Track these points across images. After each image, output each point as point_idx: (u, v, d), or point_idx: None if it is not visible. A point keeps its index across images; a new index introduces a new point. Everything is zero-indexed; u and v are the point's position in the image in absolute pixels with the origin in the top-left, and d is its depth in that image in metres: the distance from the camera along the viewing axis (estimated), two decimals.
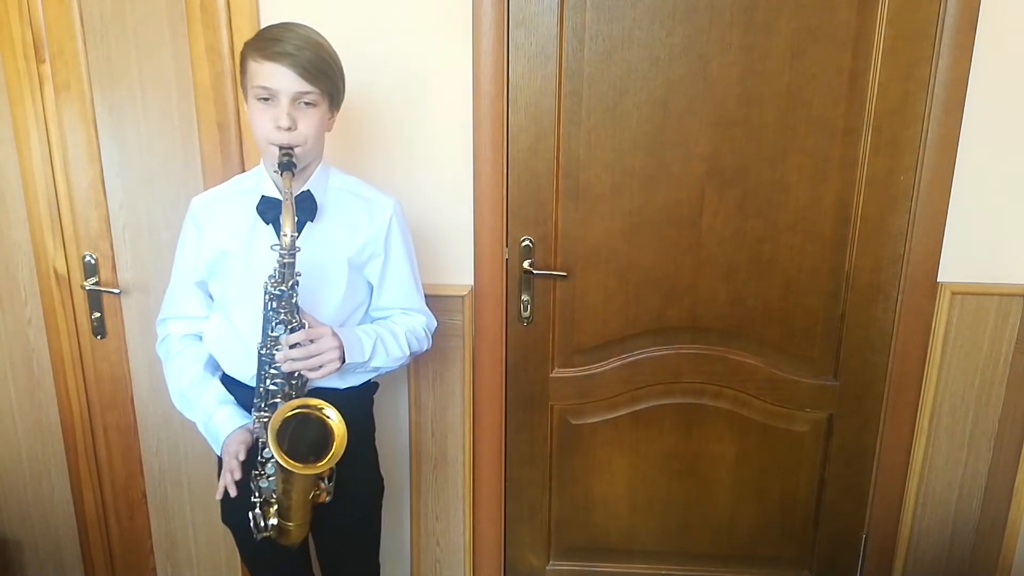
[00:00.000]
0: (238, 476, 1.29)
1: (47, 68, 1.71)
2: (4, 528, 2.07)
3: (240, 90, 1.67)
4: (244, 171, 1.72)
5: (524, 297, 1.86)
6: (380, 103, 1.71)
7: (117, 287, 1.85)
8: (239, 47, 1.65)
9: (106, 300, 1.86)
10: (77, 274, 1.85)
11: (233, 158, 1.73)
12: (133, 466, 1.99)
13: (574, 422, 1.97)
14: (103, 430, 1.96)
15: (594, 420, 1.96)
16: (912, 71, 1.67)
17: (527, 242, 1.82)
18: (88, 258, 1.84)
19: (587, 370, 1.92)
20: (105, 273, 1.85)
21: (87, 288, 1.84)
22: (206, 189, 1.75)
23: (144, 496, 2.02)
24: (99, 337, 1.89)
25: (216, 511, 1.98)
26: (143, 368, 1.91)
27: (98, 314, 1.87)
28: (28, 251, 1.85)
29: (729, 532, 2.04)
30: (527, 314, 1.88)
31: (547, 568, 2.10)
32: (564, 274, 1.84)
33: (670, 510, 2.03)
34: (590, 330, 1.89)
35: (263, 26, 1.64)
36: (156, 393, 1.93)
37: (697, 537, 2.05)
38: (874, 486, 1.95)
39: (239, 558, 2.03)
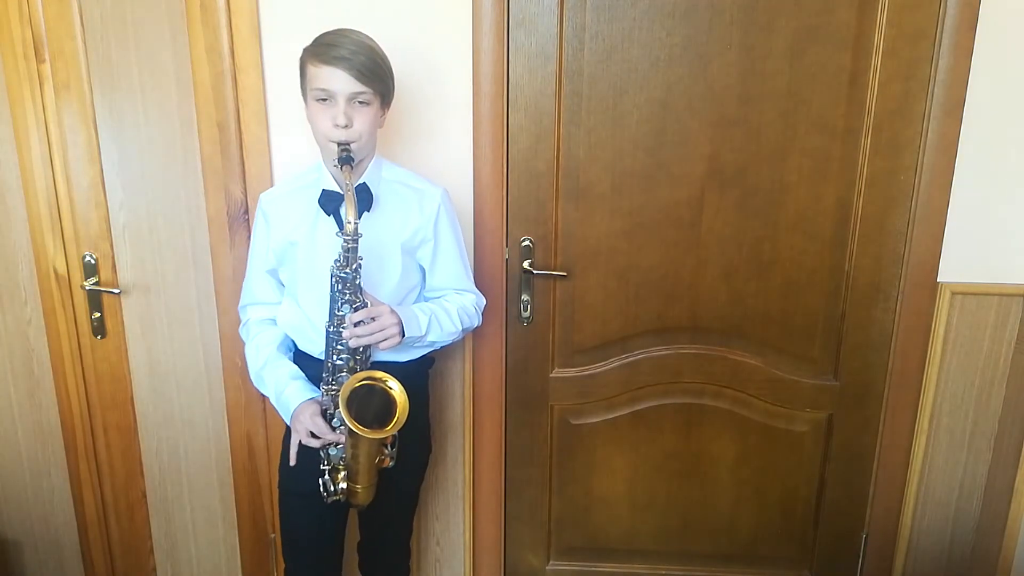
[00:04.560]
0: (315, 444, 1.39)
1: (47, 68, 1.71)
2: (4, 528, 2.07)
3: (238, 90, 1.70)
4: (244, 171, 1.73)
5: (524, 297, 1.86)
6: None
7: (117, 287, 1.85)
8: (239, 47, 1.67)
9: (106, 300, 1.86)
10: (77, 274, 1.85)
11: (233, 158, 1.73)
12: (133, 466, 1.99)
13: (574, 422, 1.97)
14: (103, 430, 1.96)
15: (594, 420, 1.96)
16: (912, 71, 1.67)
17: (527, 242, 1.82)
18: (88, 258, 1.84)
19: (587, 370, 1.92)
20: (105, 273, 1.85)
21: (87, 288, 1.84)
22: (206, 189, 1.76)
23: (144, 496, 2.02)
24: (99, 337, 1.89)
25: (215, 510, 2.00)
26: (143, 368, 1.91)
27: (98, 314, 1.87)
28: (28, 251, 1.84)
29: (729, 532, 2.04)
30: (527, 314, 1.88)
31: (547, 568, 2.10)
32: (564, 274, 1.84)
33: (670, 510, 2.03)
34: (590, 330, 1.89)
35: (263, 26, 1.66)
36: (156, 393, 1.93)
37: (697, 537, 2.05)
38: (874, 486, 1.95)
39: (239, 557, 2.03)
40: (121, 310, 1.87)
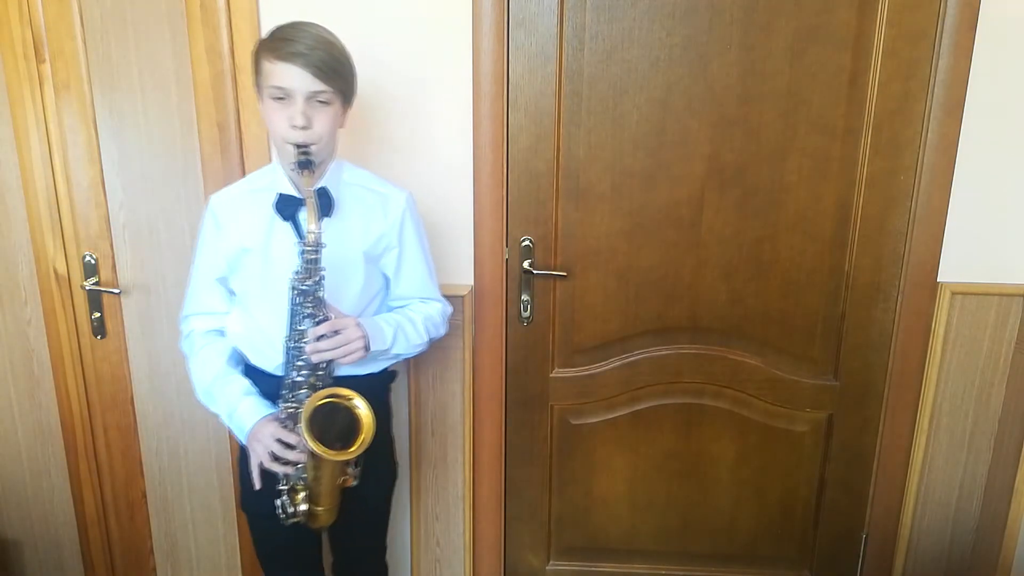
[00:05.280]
0: (278, 468, 1.31)
1: (47, 68, 1.71)
2: (4, 528, 2.07)
3: (238, 90, 1.70)
4: (244, 171, 1.73)
5: (524, 297, 1.86)
6: (379, 103, 1.71)
7: (117, 287, 1.85)
8: (239, 47, 1.66)
9: (106, 300, 1.86)
10: (77, 274, 1.85)
11: (233, 158, 1.73)
12: (133, 466, 1.99)
13: (574, 422, 1.97)
14: (103, 430, 1.96)
15: (594, 420, 1.96)
16: (912, 71, 1.67)
17: (527, 242, 1.82)
18: (88, 258, 1.84)
19: (587, 370, 1.92)
20: (105, 273, 1.85)
21: (87, 288, 1.84)
22: (206, 189, 1.76)
23: (144, 496, 2.02)
24: (99, 337, 1.89)
25: (215, 510, 2.00)
26: (143, 368, 1.91)
27: (98, 314, 1.87)
28: (28, 251, 1.85)
29: (729, 532, 2.04)
30: (527, 314, 1.88)
31: (547, 568, 2.10)
32: (564, 274, 1.84)
33: (670, 510, 2.03)
34: (590, 330, 1.89)
35: (263, 26, 1.66)
36: (156, 393, 1.93)
37: (697, 537, 2.05)
38: (874, 486, 1.95)
39: (239, 557, 2.03)
40: (121, 310, 1.88)
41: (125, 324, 1.88)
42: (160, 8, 1.67)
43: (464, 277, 1.81)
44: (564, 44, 1.70)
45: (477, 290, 1.81)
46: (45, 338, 1.90)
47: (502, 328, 1.86)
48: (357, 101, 1.69)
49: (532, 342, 1.90)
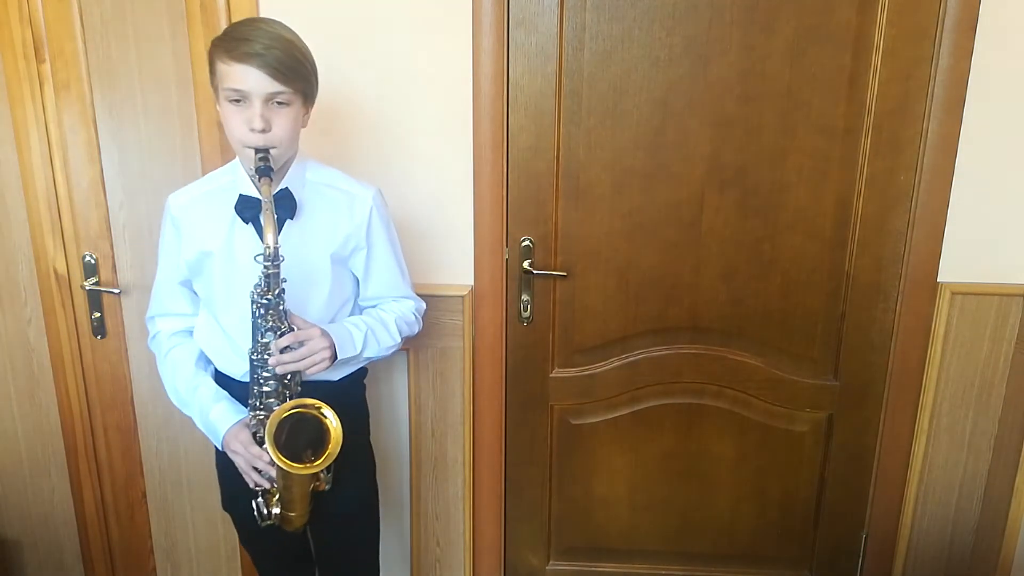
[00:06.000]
0: (259, 480, 1.30)
1: (47, 68, 1.71)
2: (4, 528, 2.07)
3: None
4: None
5: (524, 297, 1.86)
6: (379, 103, 1.71)
7: (117, 287, 1.85)
8: None
9: (106, 300, 1.86)
10: (77, 274, 1.85)
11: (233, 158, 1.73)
12: (133, 466, 1.99)
13: (574, 422, 1.97)
14: (103, 430, 1.96)
15: (594, 420, 1.96)
16: (912, 71, 1.67)
17: (527, 242, 1.82)
18: (88, 258, 1.84)
19: (587, 370, 1.92)
20: (105, 273, 1.85)
21: (87, 288, 1.84)
22: None
23: (144, 496, 2.02)
24: (99, 337, 1.89)
25: (216, 510, 2.00)
26: (143, 368, 1.91)
27: (98, 314, 1.87)
28: (28, 251, 1.85)
29: (729, 532, 2.04)
30: (527, 314, 1.88)
31: (547, 568, 2.10)
32: (564, 274, 1.84)
33: (670, 510, 2.03)
34: (590, 330, 1.89)
35: None
36: (156, 393, 1.93)
37: (697, 537, 2.05)
38: (874, 486, 1.95)
39: (239, 557, 2.03)
40: (121, 310, 1.88)
41: (125, 324, 1.88)
42: (160, 8, 1.67)
43: (464, 277, 1.81)
44: (564, 44, 1.70)
45: (477, 290, 1.81)
46: (45, 338, 1.90)
47: (502, 328, 1.86)
48: (355, 101, 1.70)
49: (532, 342, 1.90)
